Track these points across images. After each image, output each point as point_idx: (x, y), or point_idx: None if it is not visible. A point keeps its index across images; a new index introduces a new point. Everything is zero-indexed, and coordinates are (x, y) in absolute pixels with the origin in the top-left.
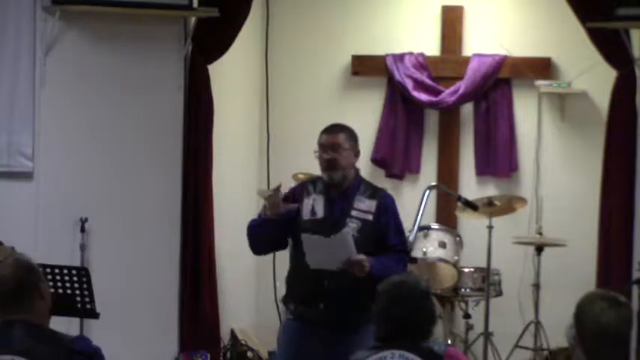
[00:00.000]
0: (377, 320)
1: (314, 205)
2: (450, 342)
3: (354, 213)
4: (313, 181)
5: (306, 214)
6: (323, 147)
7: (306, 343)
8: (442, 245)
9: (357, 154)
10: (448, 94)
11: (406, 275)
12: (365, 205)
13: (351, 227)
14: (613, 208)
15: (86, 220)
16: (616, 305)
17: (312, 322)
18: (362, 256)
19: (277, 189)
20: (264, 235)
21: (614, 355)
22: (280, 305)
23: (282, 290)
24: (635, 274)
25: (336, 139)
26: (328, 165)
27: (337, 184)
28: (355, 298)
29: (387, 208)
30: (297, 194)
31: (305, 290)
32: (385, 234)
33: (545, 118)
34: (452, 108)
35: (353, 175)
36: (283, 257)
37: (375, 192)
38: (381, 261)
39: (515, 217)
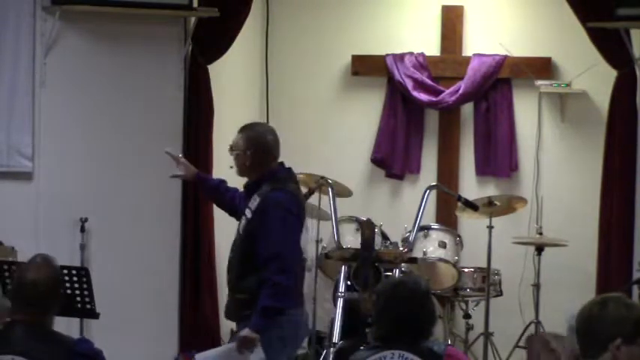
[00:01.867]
0: (376, 320)
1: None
2: (449, 342)
3: (245, 211)
4: None
5: None
6: None
7: None
8: (442, 245)
9: (248, 156)
10: (448, 94)
11: (406, 275)
12: (254, 204)
13: (241, 225)
14: (613, 208)
15: (86, 220)
16: (596, 304)
17: None
18: (243, 333)
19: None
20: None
21: (582, 346)
22: None
23: None
24: (635, 274)
25: (231, 140)
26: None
27: (246, 182)
28: (239, 292)
29: (263, 209)
30: None
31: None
32: (256, 237)
33: (545, 118)
34: (452, 108)
35: (258, 174)
36: None
37: (266, 191)
38: (260, 309)
39: (515, 217)
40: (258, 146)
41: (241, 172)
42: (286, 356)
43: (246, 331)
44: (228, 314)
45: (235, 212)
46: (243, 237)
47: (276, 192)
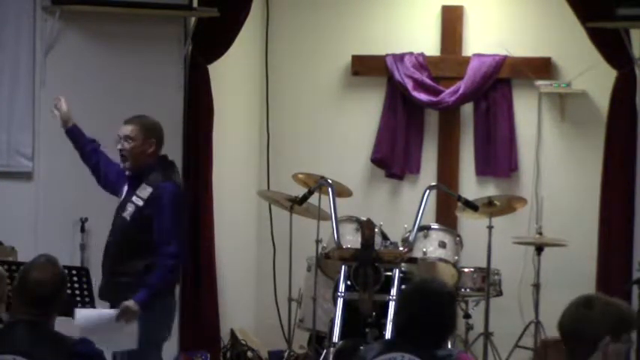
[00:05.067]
0: (394, 318)
1: (124, 189)
2: (449, 343)
3: (133, 198)
4: None
5: (120, 196)
6: (118, 137)
7: None
8: (442, 245)
9: (147, 144)
10: (448, 94)
11: (431, 279)
12: (143, 192)
13: (128, 211)
14: (613, 208)
15: (86, 220)
16: (580, 305)
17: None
18: (126, 303)
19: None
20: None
21: (570, 348)
22: (280, 305)
23: (284, 290)
24: (635, 274)
25: (124, 131)
26: (120, 154)
27: (130, 171)
28: (119, 277)
29: (155, 199)
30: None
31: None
32: (150, 225)
33: (545, 118)
34: (452, 108)
35: (149, 163)
36: (283, 257)
37: (157, 180)
38: (148, 285)
39: (515, 217)
40: (157, 135)
41: (131, 161)
42: (161, 339)
43: (130, 303)
44: (104, 295)
45: (99, 178)
46: (129, 223)
47: (167, 182)
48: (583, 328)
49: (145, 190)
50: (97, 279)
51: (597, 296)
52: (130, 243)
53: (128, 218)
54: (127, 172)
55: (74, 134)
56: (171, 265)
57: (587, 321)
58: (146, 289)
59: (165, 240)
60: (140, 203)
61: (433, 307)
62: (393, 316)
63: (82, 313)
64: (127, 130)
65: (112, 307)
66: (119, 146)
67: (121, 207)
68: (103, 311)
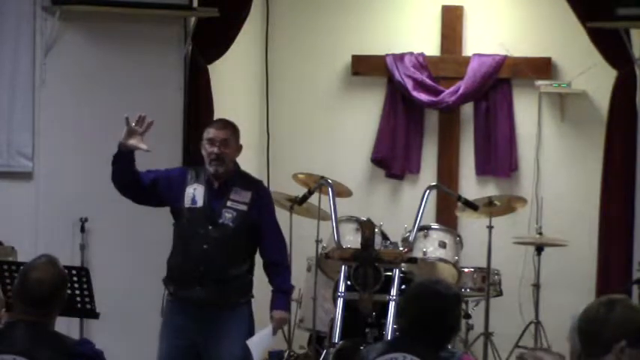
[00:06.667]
0: (397, 318)
1: (195, 194)
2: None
3: (229, 203)
4: (196, 170)
5: (187, 202)
6: (211, 141)
7: (182, 320)
8: (442, 245)
9: (239, 149)
10: (448, 94)
11: (437, 280)
12: (240, 196)
13: (227, 217)
14: (613, 208)
15: (86, 220)
16: (602, 305)
17: (191, 302)
18: (276, 315)
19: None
20: (116, 165)
21: (584, 346)
22: None
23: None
24: (635, 274)
25: (223, 135)
26: (216, 158)
27: (220, 176)
28: (229, 282)
29: (260, 201)
30: (175, 177)
31: (183, 274)
32: (258, 227)
33: (545, 118)
34: (452, 108)
35: (232, 167)
36: None
37: (250, 183)
38: (286, 290)
39: (515, 217)
40: (239, 141)
41: (228, 166)
42: None
43: (281, 313)
44: (209, 304)
45: (133, 190)
46: (235, 228)
47: (261, 183)
48: (599, 329)
49: (241, 194)
50: (97, 279)
51: (622, 299)
52: (236, 247)
53: (232, 224)
54: (200, 178)
55: (131, 158)
56: (289, 265)
57: (605, 323)
58: (285, 295)
59: (276, 239)
60: (244, 208)
61: (437, 309)
62: (396, 316)
63: (253, 343)
64: (225, 134)
65: (214, 309)
66: (215, 149)
67: (210, 214)
68: (262, 333)
